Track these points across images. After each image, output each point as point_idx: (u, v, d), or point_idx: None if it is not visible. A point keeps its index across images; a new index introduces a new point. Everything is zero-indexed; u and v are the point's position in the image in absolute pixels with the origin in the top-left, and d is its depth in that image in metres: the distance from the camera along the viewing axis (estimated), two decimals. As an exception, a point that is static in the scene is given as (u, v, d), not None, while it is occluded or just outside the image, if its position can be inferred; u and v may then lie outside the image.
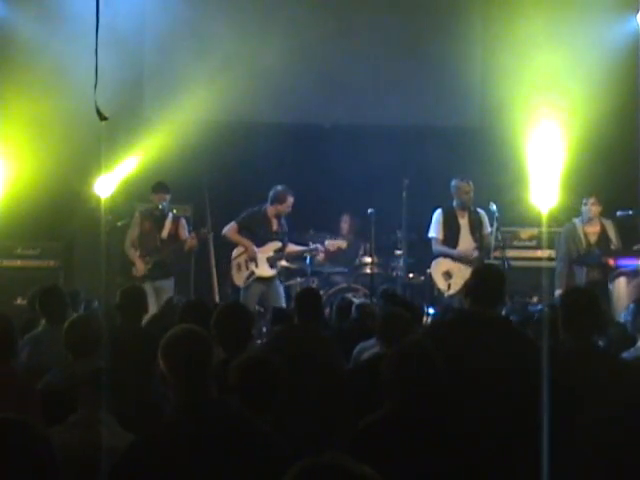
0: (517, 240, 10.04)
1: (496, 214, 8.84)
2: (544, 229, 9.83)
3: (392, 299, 6.63)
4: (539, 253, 9.93)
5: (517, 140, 9.95)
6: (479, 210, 9.09)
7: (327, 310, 7.83)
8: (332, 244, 9.59)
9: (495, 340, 4.05)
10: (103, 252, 8.66)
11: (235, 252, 9.19)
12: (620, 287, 8.60)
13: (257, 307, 8.94)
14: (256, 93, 10.39)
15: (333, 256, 9.80)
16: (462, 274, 8.65)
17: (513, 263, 9.05)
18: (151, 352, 3.27)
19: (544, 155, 9.95)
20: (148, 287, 8.49)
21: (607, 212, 9.05)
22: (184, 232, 9.18)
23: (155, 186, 9.16)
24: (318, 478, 1.84)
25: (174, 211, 9.33)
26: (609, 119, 9.84)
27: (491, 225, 8.98)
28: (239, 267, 9.15)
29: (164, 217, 9.16)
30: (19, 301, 8.90)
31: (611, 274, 8.68)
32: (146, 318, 6.20)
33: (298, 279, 9.59)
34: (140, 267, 9.00)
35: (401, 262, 9.57)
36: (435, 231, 9.07)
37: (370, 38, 10.85)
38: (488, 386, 3.87)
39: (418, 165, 9.89)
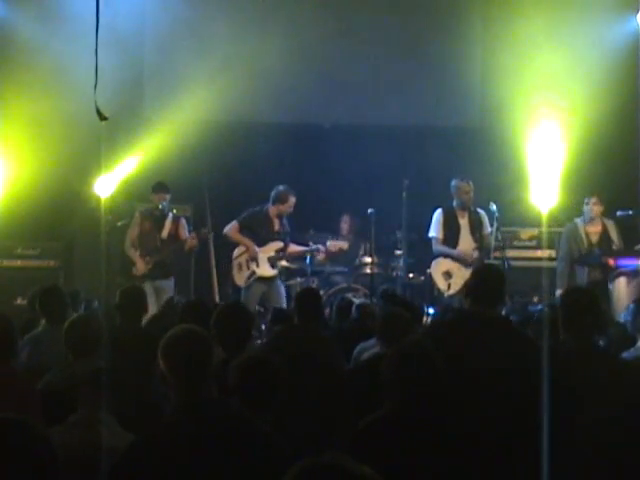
0: (517, 240, 10.04)
1: (496, 214, 8.84)
2: (544, 229, 9.83)
3: (392, 299, 6.63)
4: (539, 253, 9.93)
5: (517, 140, 9.95)
6: (479, 210, 9.09)
7: (327, 310, 7.83)
8: (334, 245, 9.59)
9: (495, 340, 4.05)
10: (103, 252, 8.66)
11: (236, 252, 9.18)
12: (620, 287, 8.60)
13: (257, 307, 8.94)
14: (256, 93, 10.39)
15: (334, 256, 9.80)
16: (462, 274, 8.66)
17: (513, 263, 9.06)
18: (151, 352, 3.27)
19: (544, 155, 9.95)
20: (148, 287, 8.50)
21: (607, 212, 9.05)
22: (184, 232, 9.18)
23: (155, 186, 9.16)
24: (318, 478, 1.84)
25: (174, 211, 9.33)
26: (609, 119, 9.84)
27: (491, 225, 8.98)
28: (240, 267, 9.15)
29: (164, 217, 9.16)
30: (19, 301, 8.90)
31: (611, 274, 8.68)
32: (146, 318, 6.20)
33: (298, 279, 9.59)
34: (141, 266, 9.01)
35: (401, 262, 9.57)
36: (435, 231, 9.07)
37: (370, 38, 10.85)
38: (488, 386, 3.87)
39: (418, 165, 9.89)
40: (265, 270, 9.09)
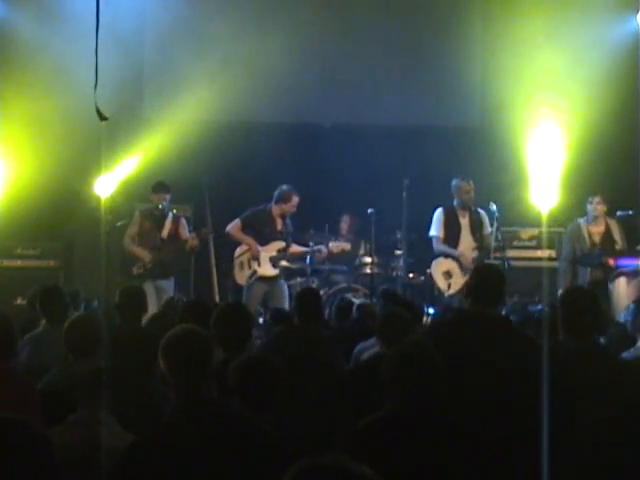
0: (517, 240, 10.04)
1: (496, 214, 8.84)
2: (544, 229, 9.83)
3: (392, 299, 6.63)
4: (539, 253, 9.93)
5: (517, 140, 9.95)
6: (480, 210, 9.09)
7: (327, 310, 7.83)
8: (336, 246, 9.60)
9: (495, 340, 4.04)
10: (103, 252, 8.66)
11: (238, 250, 9.18)
12: (620, 287, 8.60)
13: (258, 307, 8.93)
14: (256, 93, 10.39)
15: (335, 257, 9.79)
16: (462, 274, 8.67)
17: (513, 263, 9.06)
18: (151, 352, 3.27)
19: (544, 155, 9.95)
20: (149, 286, 8.50)
21: (608, 212, 9.06)
22: (184, 232, 9.18)
23: (155, 186, 9.16)
24: (317, 478, 1.84)
25: (174, 211, 9.32)
26: (609, 119, 9.84)
27: (491, 225, 8.98)
28: (241, 266, 9.14)
29: (164, 217, 9.15)
30: (19, 301, 8.90)
31: (611, 274, 8.68)
32: (146, 318, 6.20)
33: (298, 279, 9.59)
34: (145, 256, 8.95)
35: (401, 262, 9.57)
36: (436, 230, 9.07)
37: (370, 38, 10.86)
38: (488, 386, 3.87)
39: (418, 165, 9.89)
40: (267, 269, 9.08)
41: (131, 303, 5.78)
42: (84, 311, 6.78)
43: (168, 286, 9.00)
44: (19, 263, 9.77)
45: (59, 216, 10.02)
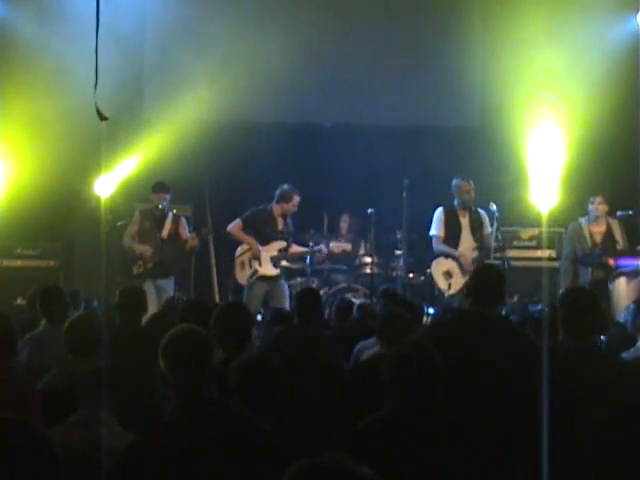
0: (517, 240, 10.04)
1: (496, 214, 8.84)
2: (544, 229, 9.83)
3: (393, 298, 6.63)
4: (539, 253, 9.93)
5: (517, 140, 9.95)
6: (480, 210, 9.09)
7: (327, 310, 7.82)
8: (337, 246, 9.60)
9: (495, 340, 4.04)
10: (103, 252, 8.65)
11: (239, 250, 9.19)
12: (620, 287, 8.60)
13: (258, 307, 8.92)
14: (256, 93, 10.39)
15: (335, 257, 9.79)
16: (463, 274, 8.67)
17: (513, 263, 9.06)
18: (151, 352, 3.27)
19: (544, 155, 9.95)
20: (149, 286, 8.51)
21: (609, 212, 9.07)
22: (184, 232, 9.18)
23: (155, 186, 9.16)
24: (316, 478, 1.83)
25: (174, 211, 9.33)
26: (609, 119, 9.85)
27: (491, 225, 8.98)
28: (242, 265, 9.14)
29: (164, 217, 9.15)
30: (19, 301, 8.90)
31: (611, 274, 8.68)
32: (146, 317, 6.19)
33: (298, 279, 9.59)
34: (146, 250, 8.95)
35: (401, 262, 9.57)
36: (436, 229, 9.06)
37: (370, 38, 10.85)
38: (488, 386, 3.87)
39: (418, 165, 9.89)
40: (268, 269, 9.08)
41: (131, 303, 5.78)
42: (84, 311, 6.77)
43: (168, 286, 9.00)
44: (19, 263, 9.77)
45: (59, 216, 10.02)
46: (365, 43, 10.87)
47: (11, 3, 10.25)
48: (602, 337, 5.32)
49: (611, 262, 8.68)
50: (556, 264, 9.60)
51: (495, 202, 8.92)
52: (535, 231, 10.05)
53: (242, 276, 9.14)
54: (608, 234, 8.96)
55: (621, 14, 10.46)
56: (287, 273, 9.43)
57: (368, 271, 9.53)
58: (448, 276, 8.93)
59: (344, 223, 10.25)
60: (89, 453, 3.43)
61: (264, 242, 9.13)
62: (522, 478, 3.69)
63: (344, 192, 10.10)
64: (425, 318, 7.27)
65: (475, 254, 8.95)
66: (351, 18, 10.84)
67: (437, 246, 9.06)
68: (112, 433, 3.57)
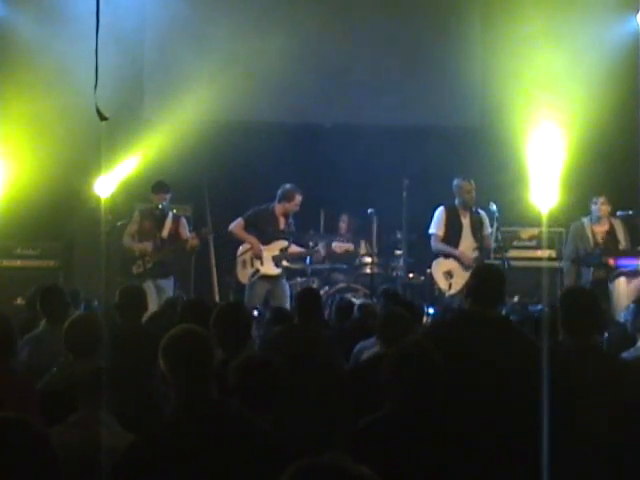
0: (517, 240, 10.04)
1: (496, 214, 8.84)
2: (544, 229, 9.83)
3: (393, 299, 6.63)
4: (539, 253, 9.93)
5: (517, 140, 9.96)
6: (480, 211, 9.09)
7: (327, 310, 7.82)
8: (339, 246, 9.59)
9: (495, 340, 4.05)
10: (103, 252, 8.65)
11: (241, 249, 9.19)
12: (620, 287, 8.61)
13: (259, 307, 8.92)
14: (256, 93, 10.39)
15: (336, 257, 9.79)
16: (463, 274, 8.66)
17: (513, 263, 9.06)
18: (152, 351, 3.27)
19: (544, 155, 9.95)
20: (149, 286, 8.50)
21: (611, 212, 9.08)
22: (185, 231, 9.18)
23: (155, 186, 9.15)
24: (315, 478, 1.83)
25: (174, 211, 9.32)
26: (609, 119, 9.85)
27: (491, 225, 8.98)
28: (244, 264, 9.15)
29: (164, 217, 9.15)
30: (19, 301, 8.90)
31: (611, 274, 8.69)
32: (146, 316, 6.19)
33: (298, 279, 9.59)
34: (147, 247, 8.95)
35: (401, 262, 9.56)
36: (436, 228, 9.06)
37: (370, 38, 10.85)
38: (488, 386, 3.87)
39: (418, 165, 9.88)
40: (269, 268, 9.08)
41: (131, 303, 5.77)
42: (84, 311, 6.77)
43: (168, 285, 9.00)
44: (19, 263, 9.77)
45: (59, 216, 10.02)
46: (365, 43, 10.86)
47: (11, 3, 10.25)
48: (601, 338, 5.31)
49: (611, 262, 8.69)
50: (556, 264, 9.61)
51: (495, 202, 8.92)
52: (535, 231, 10.05)
53: (243, 275, 9.14)
54: (611, 234, 8.98)
55: (621, 14, 10.46)
56: (287, 273, 9.43)
57: (368, 271, 9.53)
58: (449, 276, 8.93)
59: (343, 223, 10.25)
60: (89, 453, 3.43)
61: (266, 241, 9.13)
62: (522, 478, 3.69)
63: (344, 192, 10.09)
64: (425, 318, 7.27)
65: (475, 254, 8.96)
66: (351, 18, 10.84)
67: (435, 245, 9.06)
68: (112, 433, 3.57)
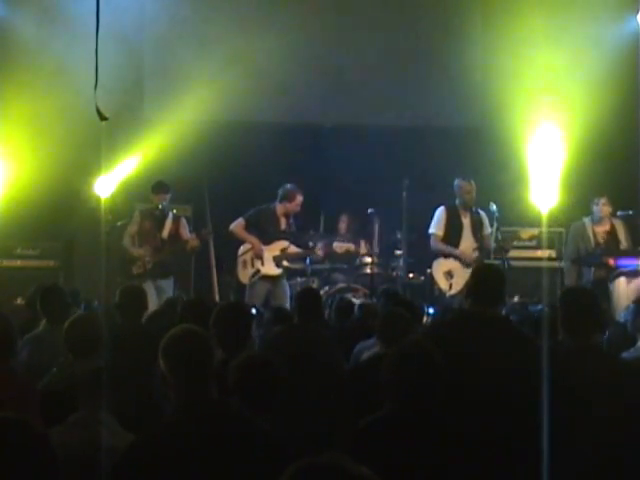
0: (517, 240, 10.03)
1: (496, 214, 8.84)
2: (544, 229, 9.83)
3: (393, 298, 6.62)
4: (539, 253, 9.93)
5: (517, 140, 9.96)
6: (480, 211, 9.09)
7: (327, 310, 7.81)
8: (340, 246, 9.59)
9: (495, 340, 4.05)
10: (103, 252, 8.65)
11: (242, 249, 9.19)
12: (620, 287, 8.61)
13: (257, 306, 8.92)
14: (256, 93, 10.39)
15: (337, 257, 9.78)
16: (463, 274, 8.66)
17: (513, 263, 9.05)
18: (152, 351, 3.28)
19: (544, 155, 9.95)
20: (149, 286, 8.49)
21: (612, 212, 9.08)
22: (185, 232, 9.18)
23: (155, 186, 9.15)
24: (314, 478, 1.83)
25: (174, 211, 9.32)
26: (609, 119, 9.85)
27: (491, 225, 8.98)
28: (245, 264, 9.15)
29: (164, 217, 9.15)
30: (19, 301, 8.89)
31: (611, 274, 8.69)
32: (145, 315, 6.18)
33: (298, 279, 9.59)
34: (146, 250, 8.95)
35: (401, 262, 9.56)
36: (436, 227, 9.06)
37: (371, 38, 10.85)
38: (488, 386, 3.87)
39: (418, 165, 9.88)
40: (270, 269, 9.08)
41: (132, 302, 5.78)
42: (84, 311, 6.77)
43: (168, 286, 9.00)
44: (19, 263, 9.77)
45: (59, 216, 10.01)
46: (365, 43, 10.86)
47: (11, 3, 10.25)
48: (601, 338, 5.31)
49: (611, 262, 8.69)
50: (556, 264, 9.61)
51: (495, 202, 8.92)
52: (535, 231, 10.05)
53: (244, 275, 9.14)
54: (612, 234, 8.99)
55: (621, 14, 10.46)
56: (287, 273, 9.43)
57: (368, 271, 9.53)
58: (449, 276, 8.93)
59: (343, 223, 10.24)
60: (89, 453, 3.43)
61: (267, 241, 9.13)
62: (522, 478, 3.69)
63: (344, 192, 10.09)
64: (425, 318, 7.27)
65: (475, 254, 8.96)
66: (351, 18, 10.84)
67: (435, 244, 9.05)
68: (112, 433, 3.57)
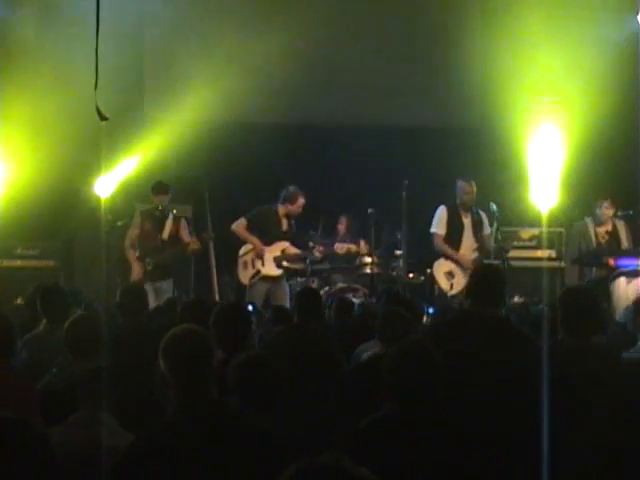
0: (517, 240, 10.03)
1: (496, 214, 8.84)
2: (544, 229, 9.83)
3: (394, 298, 6.62)
4: (539, 253, 9.93)
5: (517, 140, 9.96)
6: (480, 211, 9.09)
7: (327, 310, 7.81)
8: (341, 247, 9.60)
9: (495, 340, 4.05)
10: (103, 252, 8.65)
11: (243, 249, 9.19)
12: (620, 287, 8.61)
13: (255, 305, 8.91)
14: (256, 93, 10.39)
15: (336, 257, 9.78)
16: (464, 274, 8.67)
17: (513, 263, 9.05)
18: (154, 350, 3.28)
19: (544, 155, 9.95)
20: (148, 288, 8.48)
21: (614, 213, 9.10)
22: (185, 233, 9.17)
23: (155, 186, 9.15)
24: (314, 478, 1.83)
25: (174, 211, 9.31)
26: (609, 119, 9.85)
27: (491, 225, 8.98)
28: (245, 265, 9.14)
29: (165, 217, 9.15)
30: (19, 301, 8.89)
31: (611, 274, 8.69)
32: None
33: (298, 279, 9.58)
34: (136, 270, 8.98)
35: (401, 262, 9.56)
36: (438, 227, 9.06)
37: (371, 39, 10.86)
38: (488, 386, 3.87)
39: (418, 165, 9.88)
40: (270, 269, 9.08)
41: (133, 301, 5.78)
42: (84, 311, 6.77)
43: (167, 287, 8.99)
44: (19, 263, 9.77)
45: (59, 216, 10.01)
46: (365, 44, 10.87)
47: (11, 3, 10.25)
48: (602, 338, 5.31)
49: (611, 262, 8.69)
50: (556, 264, 9.61)
51: (495, 202, 8.92)
52: (535, 231, 10.05)
53: (245, 276, 9.14)
54: (613, 234, 8.99)
55: (621, 14, 10.46)
56: (287, 273, 9.42)
57: (368, 271, 9.53)
58: (450, 276, 8.94)
59: (341, 225, 10.22)
60: (89, 453, 3.43)
61: (268, 242, 9.13)
62: (522, 477, 3.69)
63: (344, 192, 10.10)
64: (425, 318, 7.27)
65: (475, 254, 8.97)
66: (351, 19, 10.85)
67: (439, 245, 9.05)
68: (112, 433, 3.57)
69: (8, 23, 10.11)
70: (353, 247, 9.73)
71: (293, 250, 9.31)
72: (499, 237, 8.85)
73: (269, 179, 9.59)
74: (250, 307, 7.73)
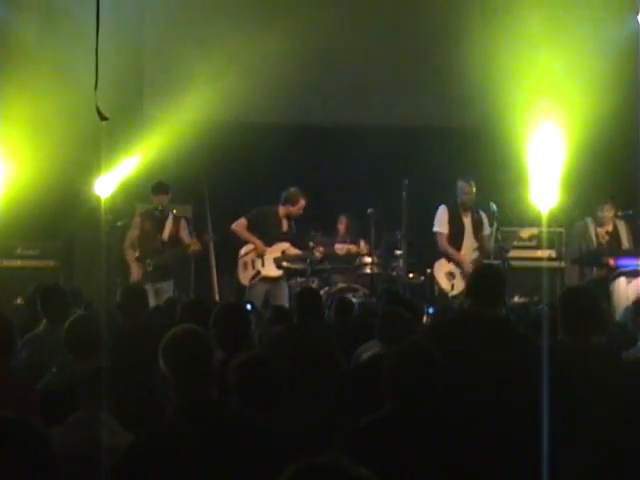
0: (517, 240, 10.03)
1: (496, 214, 8.84)
2: (544, 229, 9.83)
3: (394, 298, 6.62)
4: (539, 253, 9.92)
5: (517, 140, 9.95)
6: (480, 211, 9.10)
7: (327, 311, 7.81)
8: (341, 248, 9.59)
9: (495, 340, 4.05)
10: (103, 252, 8.65)
11: (243, 250, 9.19)
12: (620, 287, 8.61)
13: (254, 305, 8.91)
14: (256, 93, 10.39)
15: (336, 257, 9.78)
16: (465, 275, 8.67)
17: (513, 263, 9.06)
18: (154, 349, 3.28)
19: (544, 155, 9.95)
20: (149, 289, 8.48)
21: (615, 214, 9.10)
22: (185, 234, 9.17)
23: (155, 186, 9.15)
24: (314, 478, 1.83)
25: (174, 212, 9.31)
26: (609, 119, 9.84)
27: (491, 225, 8.99)
28: (245, 266, 9.14)
29: (165, 218, 9.15)
30: (19, 301, 8.89)
31: (611, 274, 8.69)
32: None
33: (298, 279, 9.58)
34: (135, 271, 8.98)
35: (401, 262, 9.56)
36: (440, 226, 9.07)
37: (371, 39, 10.86)
38: (488, 386, 3.87)
39: (418, 165, 9.88)
40: (270, 270, 9.08)
41: (133, 301, 5.78)
42: (84, 311, 6.77)
43: (167, 288, 8.99)
44: (19, 263, 9.77)
45: (59, 216, 10.01)
46: (365, 44, 10.86)
47: (12, 4, 10.25)
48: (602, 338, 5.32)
49: (611, 262, 8.69)
50: (556, 264, 9.61)
51: (495, 202, 8.93)
52: (535, 231, 10.04)
53: (245, 277, 9.14)
54: (614, 235, 8.99)
55: (621, 14, 10.45)
56: (287, 273, 9.43)
57: (368, 271, 9.52)
58: (451, 277, 8.95)
59: (341, 225, 10.21)
60: (89, 453, 3.43)
61: (268, 243, 9.13)
62: (522, 477, 3.69)
63: (344, 192, 10.10)
64: (425, 318, 7.27)
65: (476, 254, 8.97)
66: (351, 19, 10.84)
67: (442, 244, 9.06)
68: (112, 433, 3.57)
69: (8, 23, 10.11)
70: (353, 247, 9.73)
71: (293, 251, 9.32)
72: (499, 237, 8.85)
73: (269, 179, 9.59)
74: (248, 306, 7.74)
